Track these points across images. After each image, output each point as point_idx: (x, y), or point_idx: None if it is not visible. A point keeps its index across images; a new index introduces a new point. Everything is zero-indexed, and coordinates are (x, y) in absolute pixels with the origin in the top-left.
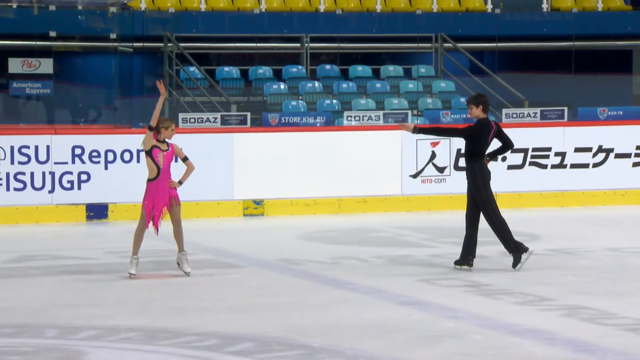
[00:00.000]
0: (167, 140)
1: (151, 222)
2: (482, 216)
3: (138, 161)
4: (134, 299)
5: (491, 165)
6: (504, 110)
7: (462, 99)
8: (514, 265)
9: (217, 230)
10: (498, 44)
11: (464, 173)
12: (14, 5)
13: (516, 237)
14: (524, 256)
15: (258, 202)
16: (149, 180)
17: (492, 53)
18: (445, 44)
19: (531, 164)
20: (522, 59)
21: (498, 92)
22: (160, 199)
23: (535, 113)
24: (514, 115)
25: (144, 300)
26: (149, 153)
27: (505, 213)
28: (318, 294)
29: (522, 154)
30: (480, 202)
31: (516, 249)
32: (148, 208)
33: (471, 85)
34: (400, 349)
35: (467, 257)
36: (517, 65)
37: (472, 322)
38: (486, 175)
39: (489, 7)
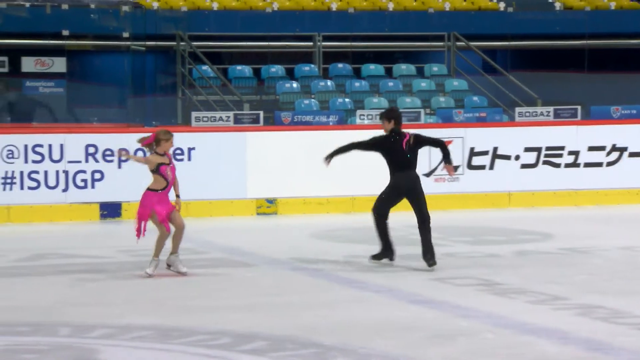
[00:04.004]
0: (166, 152)
1: (163, 227)
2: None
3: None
4: (146, 297)
5: (504, 165)
6: (517, 109)
7: (475, 98)
8: (372, 256)
9: (230, 228)
10: (511, 43)
11: (477, 172)
12: (27, 4)
13: (529, 236)
14: (384, 260)
15: (271, 201)
16: (150, 190)
17: (505, 52)
18: (458, 43)
19: (545, 162)
20: (535, 58)
21: (511, 90)
22: (161, 206)
23: (549, 112)
24: (527, 114)
25: (157, 299)
26: (156, 171)
27: (519, 212)
28: (331, 292)
29: (535, 153)
30: (380, 198)
31: (386, 251)
32: (161, 214)
33: (484, 84)
34: (413, 347)
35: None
36: (530, 64)
37: (484, 321)
38: (399, 184)
39: (502, 5)
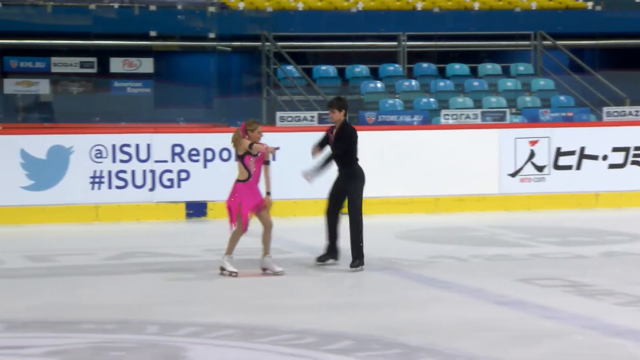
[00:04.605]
0: (259, 142)
1: (240, 222)
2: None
3: (236, 159)
4: (231, 296)
5: (592, 165)
6: (605, 109)
7: (562, 97)
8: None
9: (314, 228)
10: (598, 42)
11: (564, 172)
12: (116, 6)
13: (617, 237)
14: (360, 267)
15: None
16: (238, 181)
17: (593, 51)
18: (544, 42)
19: (633, 162)
20: (623, 57)
21: (599, 90)
22: (249, 199)
23: (637, 111)
24: (615, 114)
25: (241, 298)
26: (241, 158)
27: (606, 213)
28: (414, 292)
29: (623, 153)
30: (355, 204)
31: (361, 256)
32: (245, 207)
33: (571, 83)
34: (498, 348)
35: (333, 252)
36: (618, 63)
37: (571, 323)
38: (364, 177)
39: (589, 4)
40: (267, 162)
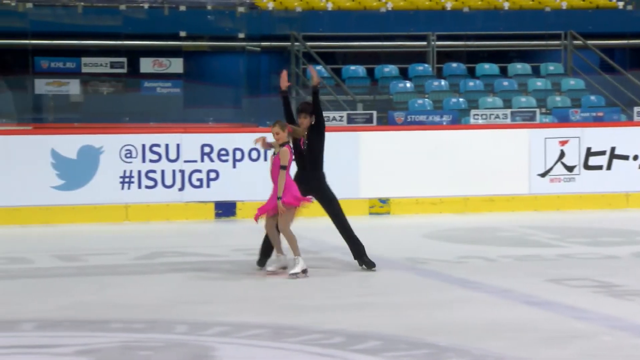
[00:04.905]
0: (287, 141)
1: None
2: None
3: (265, 159)
4: (259, 296)
5: (622, 165)
6: (636, 109)
7: (592, 97)
8: (371, 267)
9: None
10: (629, 41)
11: (594, 172)
12: (145, 6)
13: None
14: (372, 267)
15: (384, 201)
16: None
17: (623, 50)
18: (575, 42)
19: None
20: None
21: (629, 89)
22: (269, 199)
23: None
24: None
25: (270, 298)
26: None
27: (637, 213)
28: (443, 293)
29: None
30: (336, 206)
31: (364, 253)
32: (265, 205)
33: (601, 83)
34: (528, 349)
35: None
36: None
37: (601, 323)
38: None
39: (620, 3)
40: (282, 167)
